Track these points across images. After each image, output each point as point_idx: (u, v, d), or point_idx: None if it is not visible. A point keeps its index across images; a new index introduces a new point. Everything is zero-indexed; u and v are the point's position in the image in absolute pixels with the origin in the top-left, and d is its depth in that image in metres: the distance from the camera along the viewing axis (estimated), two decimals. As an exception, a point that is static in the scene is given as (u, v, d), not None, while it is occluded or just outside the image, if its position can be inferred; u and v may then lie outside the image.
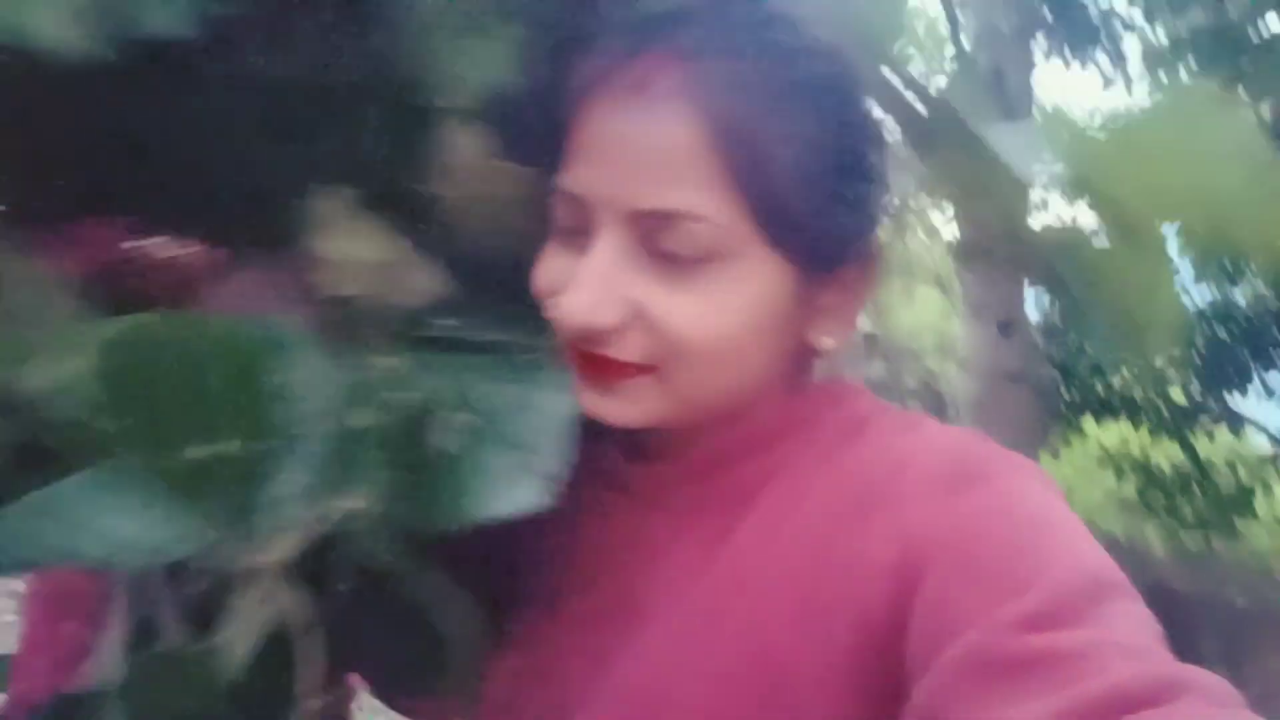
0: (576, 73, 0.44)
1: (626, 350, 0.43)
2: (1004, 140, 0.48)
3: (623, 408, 0.44)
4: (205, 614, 0.42)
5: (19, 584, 0.64)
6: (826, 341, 0.46)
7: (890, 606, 0.39)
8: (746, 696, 0.42)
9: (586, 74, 0.44)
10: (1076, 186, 0.50)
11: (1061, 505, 0.41)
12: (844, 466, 0.45)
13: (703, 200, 0.41)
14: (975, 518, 0.40)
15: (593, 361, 0.43)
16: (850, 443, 0.46)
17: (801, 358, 0.48)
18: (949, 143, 0.50)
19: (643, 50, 0.42)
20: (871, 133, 0.46)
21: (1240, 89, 3.12)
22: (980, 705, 0.33)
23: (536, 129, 0.45)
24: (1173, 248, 0.51)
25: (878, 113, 0.48)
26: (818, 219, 0.43)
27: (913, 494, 0.41)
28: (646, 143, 0.41)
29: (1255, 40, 3.38)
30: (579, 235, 0.44)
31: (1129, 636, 0.34)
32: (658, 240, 0.42)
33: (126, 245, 0.48)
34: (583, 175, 0.43)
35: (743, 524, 0.46)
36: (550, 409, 0.41)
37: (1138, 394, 4.58)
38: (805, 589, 0.42)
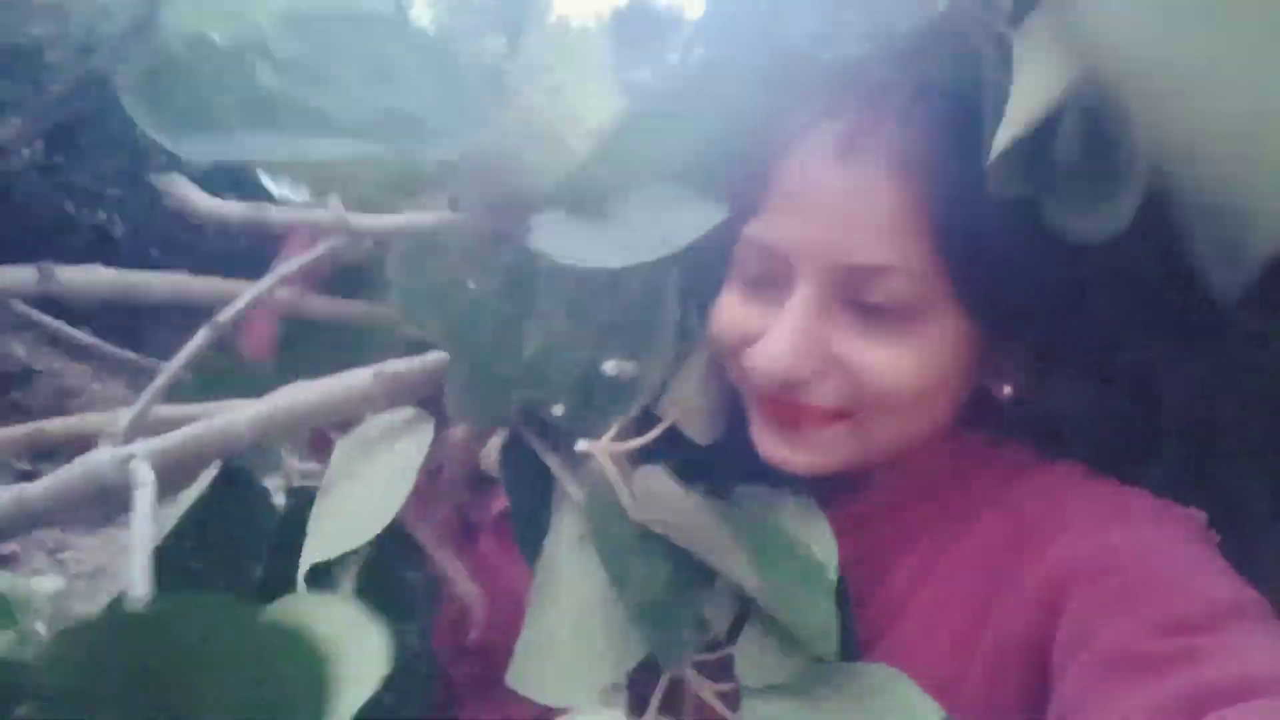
0: (779, 126, 0.45)
1: (823, 397, 0.45)
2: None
3: (810, 456, 0.46)
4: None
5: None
6: (1004, 390, 0.48)
7: (1039, 627, 0.42)
8: None
9: (789, 129, 0.44)
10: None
11: (1205, 549, 0.43)
12: (1001, 510, 0.47)
13: (905, 257, 0.42)
14: (1116, 551, 0.42)
15: (787, 409, 0.45)
16: (1007, 488, 0.48)
17: (965, 405, 0.49)
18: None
19: (850, 110, 0.43)
20: None
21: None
22: (1103, 696, 0.37)
23: (735, 178, 0.46)
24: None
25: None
26: (1007, 285, 0.43)
27: (1062, 530, 0.44)
28: (856, 201, 0.42)
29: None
30: (766, 285, 0.45)
31: (1247, 644, 0.36)
32: (857, 293, 0.43)
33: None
34: (783, 227, 0.44)
35: (903, 563, 0.49)
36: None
37: None
38: (967, 622, 0.46)
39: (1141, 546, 0.42)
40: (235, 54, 0.43)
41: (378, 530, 0.47)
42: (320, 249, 0.50)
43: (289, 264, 0.50)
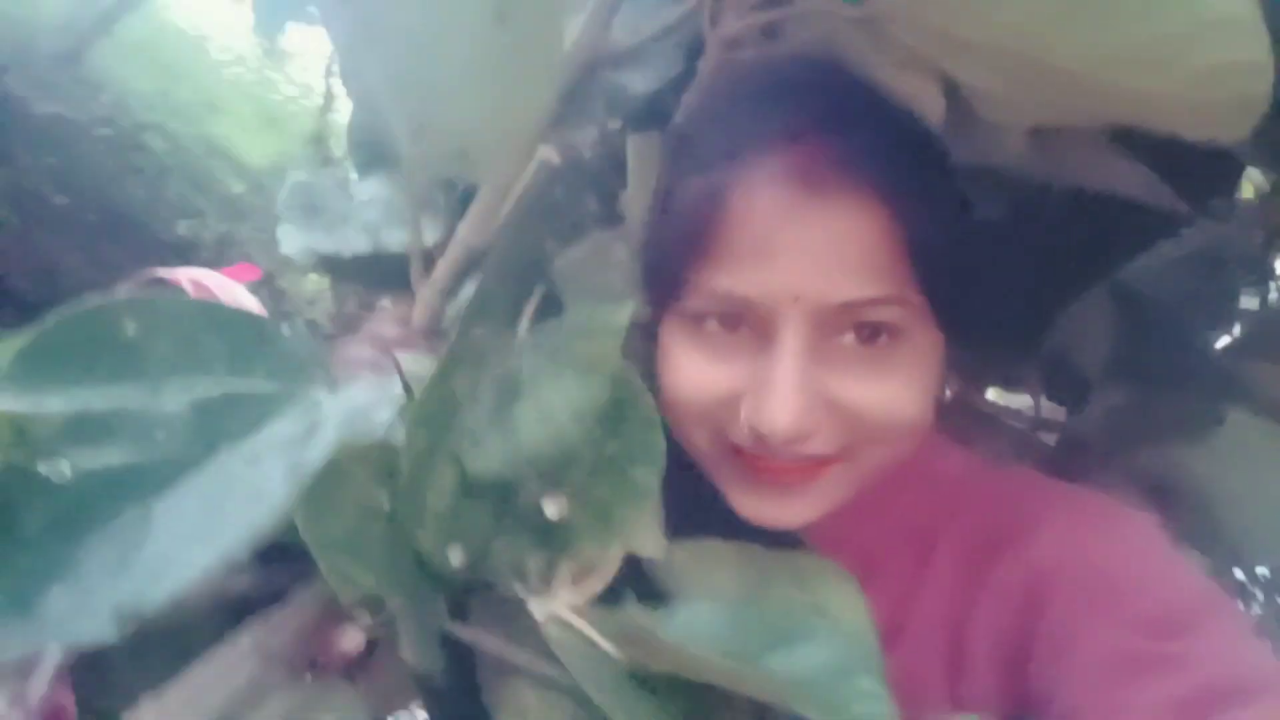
0: (716, 170, 0.41)
1: (824, 445, 0.42)
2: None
3: (804, 508, 0.44)
4: None
5: None
6: (947, 392, 0.49)
7: (1020, 628, 0.43)
8: None
9: (729, 171, 0.41)
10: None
11: (1169, 547, 0.44)
12: (969, 518, 0.47)
13: (894, 283, 0.40)
14: (1090, 551, 0.43)
15: (779, 466, 0.42)
16: (971, 496, 0.48)
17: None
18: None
19: (794, 145, 0.40)
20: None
21: None
22: (1101, 699, 0.38)
23: (680, 229, 0.42)
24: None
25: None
26: (977, 295, 0.43)
27: (1033, 532, 0.45)
28: (837, 237, 0.39)
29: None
30: (734, 338, 0.42)
31: (1230, 643, 0.39)
32: (848, 329, 0.41)
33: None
34: (757, 276, 0.40)
35: (888, 586, 0.47)
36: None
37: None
38: (954, 632, 0.45)
39: (1114, 547, 0.43)
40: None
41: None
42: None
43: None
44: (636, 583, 0.45)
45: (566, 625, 0.42)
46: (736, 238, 0.41)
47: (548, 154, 0.43)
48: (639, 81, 0.44)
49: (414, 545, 0.39)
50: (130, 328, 0.35)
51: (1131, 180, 0.43)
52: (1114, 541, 0.44)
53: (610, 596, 0.45)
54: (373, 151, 0.56)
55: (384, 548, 0.38)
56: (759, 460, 0.43)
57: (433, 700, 0.44)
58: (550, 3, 0.36)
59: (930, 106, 0.42)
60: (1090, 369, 0.55)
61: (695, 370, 0.43)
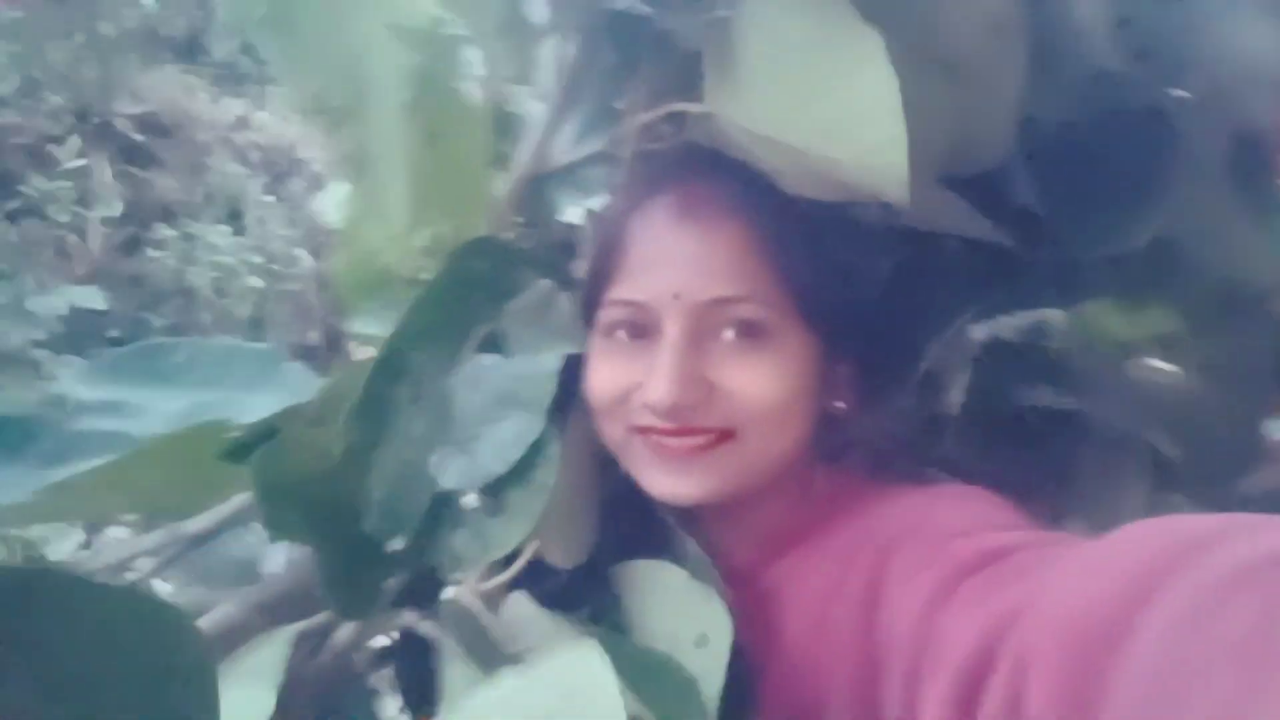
0: (624, 213, 0.53)
1: (707, 419, 0.50)
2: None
3: (698, 483, 0.50)
4: None
5: None
6: (839, 407, 0.54)
7: (868, 599, 0.46)
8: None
9: (631, 211, 0.53)
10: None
11: (1005, 506, 0.48)
12: (845, 525, 0.52)
13: (752, 284, 0.50)
14: (923, 515, 0.48)
15: (674, 445, 0.50)
16: (851, 505, 0.53)
17: (818, 446, 0.55)
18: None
19: (677, 187, 0.52)
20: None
21: None
22: (902, 592, 0.43)
23: (595, 255, 0.54)
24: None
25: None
26: (835, 298, 0.52)
27: (887, 523, 0.49)
28: (702, 248, 0.50)
29: None
30: (632, 340, 0.52)
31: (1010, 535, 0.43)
32: (719, 323, 0.50)
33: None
34: (645, 283, 0.51)
35: (774, 594, 0.52)
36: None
37: None
38: (827, 632, 0.49)
39: (943, 506, 0.48)
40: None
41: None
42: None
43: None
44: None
45: (464, 608, 0.51)
46: (633, 256, 0.52)
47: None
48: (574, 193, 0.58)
49: (353, 522, 0.52)
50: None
51: (959, 220, 0.47)
52: (946, 501, 0.48)
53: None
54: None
55: (322, 512, 0.51)
56: (660, 438, 0.51)
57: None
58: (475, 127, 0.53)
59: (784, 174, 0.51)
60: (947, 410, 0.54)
61: (608, 372, 0.52)
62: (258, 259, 2.66)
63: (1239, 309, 0.57)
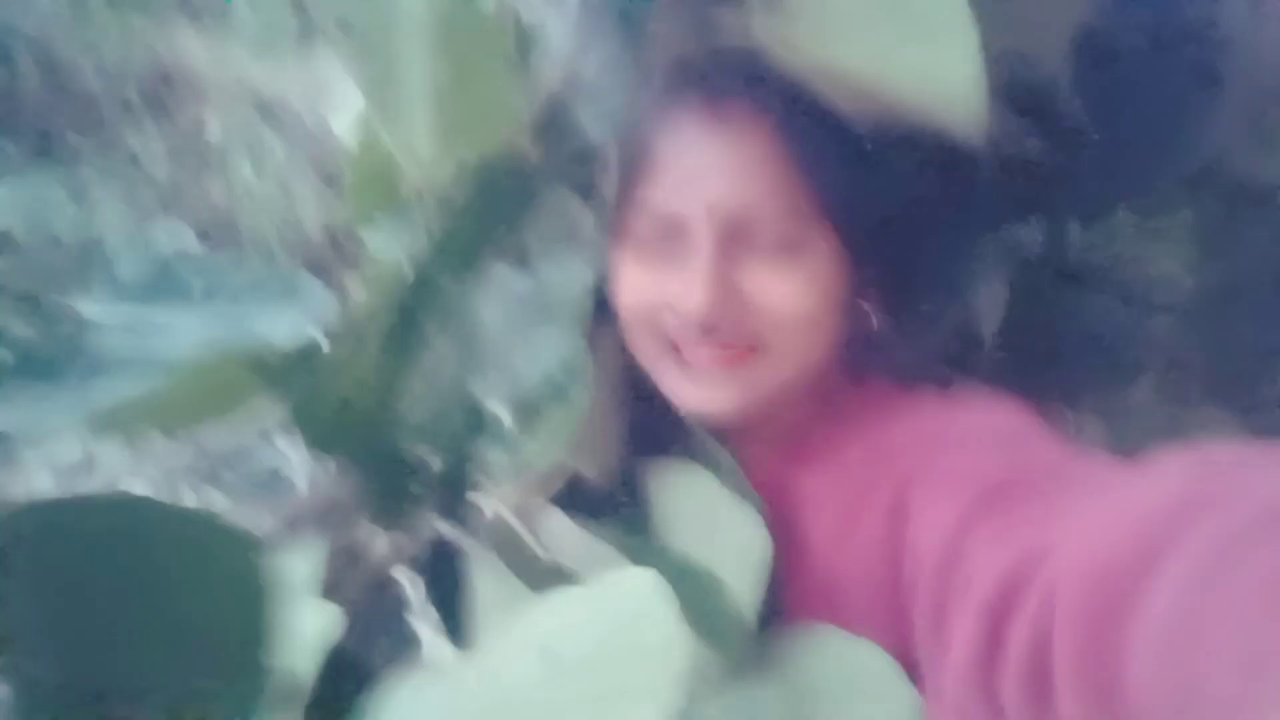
0: (656, 113, 0.52)
1: (737, 334, 0.50)
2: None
3: (729, 396, 0.51)
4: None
5: None
6: (870, 321, 0.53)
7: (891, 532, 0.46)
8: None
9: (664, 114, 0.51)
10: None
11: (1028, 420, 0.48)
12: (862, 437, 0.52)
13: (783, 195, 0.49)
14: (944, 437, 0.48)
15: (704, 349, 0.50)
16: (871, 419, 0.53)
17: (848, 362, 0.55)
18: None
19: (710, 96, 0.50)
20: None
21: None
22: (928, 510, 0.43)
23: (622, 158, 0.53)
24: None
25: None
26: (867, 211, 0.51)
27: (907, 441, 0.49)
28: (732, 158, 0.49)
29: None
30: (663, 249, 0.51)
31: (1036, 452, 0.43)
32: (749, 234, 0.49)
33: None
34: (674, 191, 0.50)
35: (798, 505, 0.53)
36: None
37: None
38: (850, 547, 0.49)
39: (969, 419, 0.48)
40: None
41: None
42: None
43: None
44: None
45: (502, 520, 0.52)
46: (665, 164, 0.51)
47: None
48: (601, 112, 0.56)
49: (389, 443, 0.52)
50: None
51: (1007, 137, 0.47)
52: (972, 414, 0.48)
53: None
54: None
55: (358, 431, 0.52)
56: (691, 351, 0.51)
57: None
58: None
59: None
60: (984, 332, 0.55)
61: (633, 280, 0.52)
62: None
63: (1250, 206, 0.57)
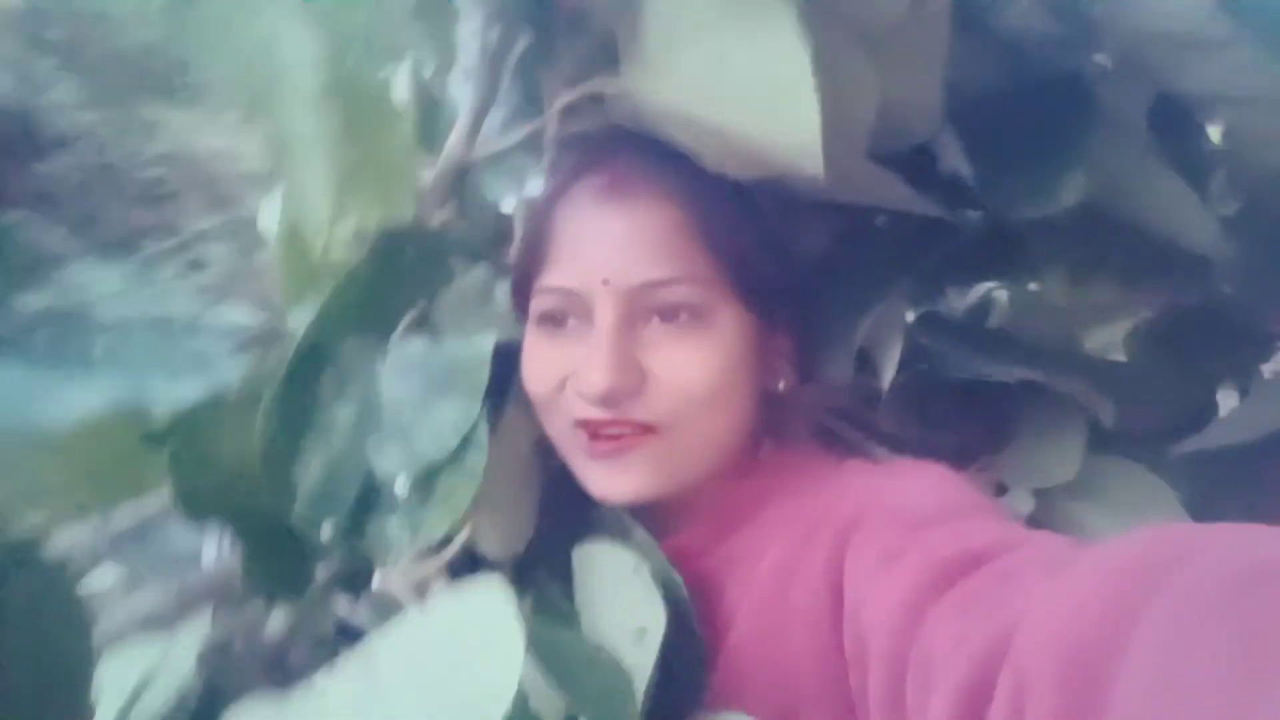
0: (550, 197, 0.52)
1: (641, 411, 0.49)
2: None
3: (635, 481, 0.49)
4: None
5: None
6: (779, 385, 0.53)
7: (830, 578, 0.44)
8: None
9: (557, 195, 0.52)
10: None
11: (960, 483, 0.47)
12: (796, 509, 0.50)
13: (684, 264, 0.49)
14: (882, 492, 0.46)
15: (609, 438, 0.49)
16: (802, 489, 0.51)
17: (761, 423, 0.54)
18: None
19: (601, 167, 0.51)
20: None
21: None
22: (870, 591, 0.40)
23: (523, 242, 0.53)
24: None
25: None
26: (769, 273, 0.51)
27: (842, 502, 0.48)
28: (636, 230, 0.49)
29: None
30: (567, 326, 0.51)
31: (980, 529, 0.40)
32: (651, 306, 0.49)
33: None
34: (575, 269, 0.50)
35: (724, 579, 0.51)
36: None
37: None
38: (783, 617, 0.47)
39: (904, 485, 0.47)
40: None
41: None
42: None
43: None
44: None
45: (392, 597, 0.50)
46: (561, 242, 0.51)
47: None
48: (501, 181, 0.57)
49: (278, 508, 0.51)
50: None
51: (888, 193, 0.47)
52: (907, 481, 0.47)
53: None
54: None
55: (243, 498, 0.51)
56: (595, 432, 0.49)
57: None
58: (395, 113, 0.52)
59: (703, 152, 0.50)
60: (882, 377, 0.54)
61: (542, 362, 0.52)
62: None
63: (1177, 272, 0.57)
